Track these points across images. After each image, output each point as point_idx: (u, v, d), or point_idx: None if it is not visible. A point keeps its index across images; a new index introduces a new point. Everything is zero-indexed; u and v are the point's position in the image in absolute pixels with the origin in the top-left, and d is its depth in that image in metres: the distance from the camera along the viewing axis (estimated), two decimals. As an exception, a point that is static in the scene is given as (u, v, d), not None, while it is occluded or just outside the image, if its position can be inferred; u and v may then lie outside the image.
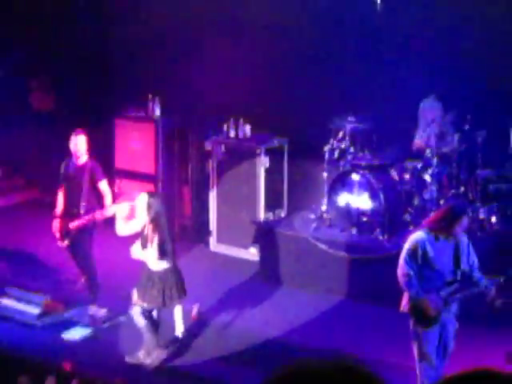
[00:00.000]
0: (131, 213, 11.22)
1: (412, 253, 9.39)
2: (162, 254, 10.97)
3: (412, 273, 9.35)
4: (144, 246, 10.95)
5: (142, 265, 11.10)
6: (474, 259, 9.65)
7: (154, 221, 10.94)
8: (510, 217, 12.66)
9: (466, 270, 9.55)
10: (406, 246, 9.53)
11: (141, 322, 11.03)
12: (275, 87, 14.83)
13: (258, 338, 11.65)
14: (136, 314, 11.04)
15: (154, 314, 11.17)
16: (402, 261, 9.47)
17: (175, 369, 11.03)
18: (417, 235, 9.58)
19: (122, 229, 11.24)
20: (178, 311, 11.33)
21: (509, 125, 12.70)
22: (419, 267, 9.39)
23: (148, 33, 15.77)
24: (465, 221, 9.49)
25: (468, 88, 13.09)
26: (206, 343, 11.46)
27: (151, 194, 11.28)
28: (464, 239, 9.62)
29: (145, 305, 11.01)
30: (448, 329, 9.64)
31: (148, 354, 11.08)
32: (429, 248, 9.36)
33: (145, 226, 10.97)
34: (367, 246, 12.69)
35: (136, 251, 11.02)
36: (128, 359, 11.04)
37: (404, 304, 9.62)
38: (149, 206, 10.93)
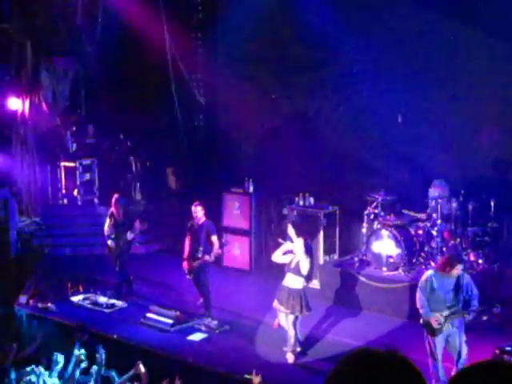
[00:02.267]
0: (287, 251, 11.30)
1: (424, 285, 9.71)
2: (308, 279, 11.35)
3: (424, 298, 9.68)
4: (296, 272, 11.05)
5: (281, 285, 11.23)
6: (473, 291, 9.73)
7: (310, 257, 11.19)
8: (491, 260, 12.60)
9: (466, 298, 9.71)
10: (421, 280, 9.89)
11: (290, 327, 11.09)
12: (331, 172, 14.75)
13: (326, 341, 11.72)
14: (289, 321, 11.10)
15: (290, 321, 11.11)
16: (418, 290, 9.81)
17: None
18: (427, 273, 9.95)
19: (277, 257, 11.44)
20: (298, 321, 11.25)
21: (489, 198, 12.55)
22: (428, 295, 9.69)
23: (246, 136, 16.09)
24: (459, 266, 9.65)
25: (463, 175, 13.36)
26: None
27: (305, 240, 11.37)
28: (466, 277, 9.82)
29: (289, 312, 11.04)
30: (454, 338, 9.73)
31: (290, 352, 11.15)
32: (434, 282, 9.64)
33: (292, 260, 11.12)
34: (393, 279, 12.80)
35: (289, 277, 11.11)
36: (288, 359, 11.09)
37: (421, 319, 9.87)
38: (305, 248, 11.13)
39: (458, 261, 9.85)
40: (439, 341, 9.76)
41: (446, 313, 9.67)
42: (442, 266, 9.79)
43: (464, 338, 9.79)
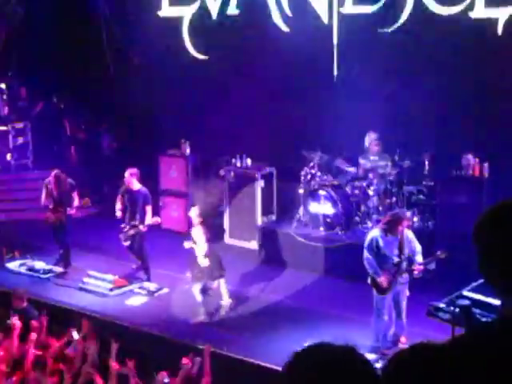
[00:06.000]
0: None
1: (369, 245, 9.77)
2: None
3: (371, 258, 9.72)
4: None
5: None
6: (416, 247, 9.86)
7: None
8: (425, 217, 12.69)
9: (410, 255, 9.83)
10: (366, 240, 9.91)
11: (197, 294, 11.37)
12: (267, 133, 14.71)
13: (264, 301, 11.93)
14: (195, 289, 11.41)
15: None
16: (364, 251, 9.81)
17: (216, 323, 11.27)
18: (372, 232, 10.04)
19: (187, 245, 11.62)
20: (222, 284, 11.63)
21: (424, 157, 12.65)
22: (375, 254, 9.73)
23: (182, 98, 15.81)
24: (404, 223, 9.81)
25: (398, 132, 13.29)
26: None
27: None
28: (409, 233, 9.90)
29: (196, 280, 11.37)
30: (400, 296, 9.87)
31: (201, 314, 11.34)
32: (380, 241, 9.71)
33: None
34: (330, 238, 12.92)
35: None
36: (192, 321, 11.22)
37: (369, 279, 9.92)
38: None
39: (402, 217, 9.90)
40: (388, 299, 9.85)
41: (393, 270, 9.73)
42: (387, 224, 9.81)
43: (407, 293, 9.90)
